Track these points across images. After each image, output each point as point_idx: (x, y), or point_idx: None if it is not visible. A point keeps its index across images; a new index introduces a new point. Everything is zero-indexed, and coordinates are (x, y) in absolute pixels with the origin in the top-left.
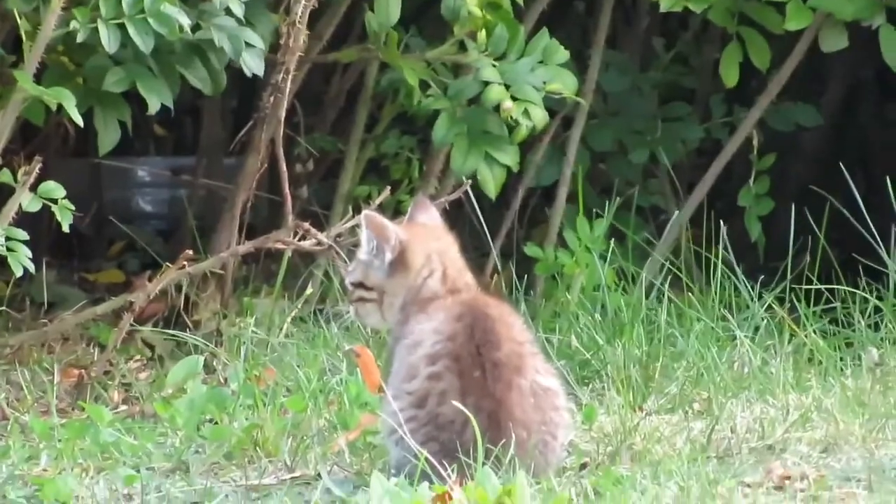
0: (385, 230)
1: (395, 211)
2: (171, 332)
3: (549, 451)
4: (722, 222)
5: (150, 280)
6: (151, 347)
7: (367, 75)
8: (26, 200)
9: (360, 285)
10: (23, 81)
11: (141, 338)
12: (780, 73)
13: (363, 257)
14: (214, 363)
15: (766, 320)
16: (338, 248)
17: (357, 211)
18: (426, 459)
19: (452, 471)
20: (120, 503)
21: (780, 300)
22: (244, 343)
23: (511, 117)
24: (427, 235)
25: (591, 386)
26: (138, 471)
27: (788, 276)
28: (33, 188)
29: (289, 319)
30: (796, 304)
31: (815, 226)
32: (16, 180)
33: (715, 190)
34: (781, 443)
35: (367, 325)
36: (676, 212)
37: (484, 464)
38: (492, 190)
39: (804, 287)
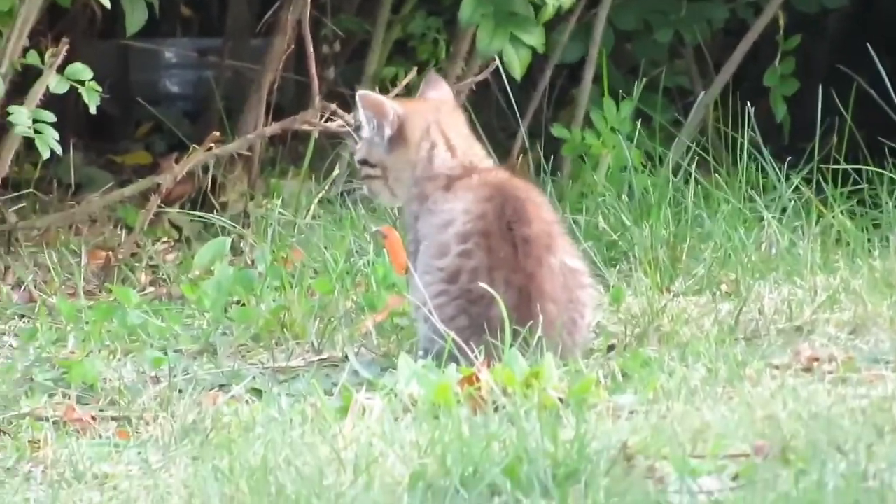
0: (382, 106)
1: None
2: (198, 213)
3: (577, 331)
4: (749, 103)
5: (177, 161)
6: (178, 229)
7: None
8: (53, 82)
9: (365, 162)
10: None
11: (168, 219)
12: None
13: (365, 135)
14: (241, 245)
15: (793, 201)
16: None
17: (384, 92)
18: (454, 341)
19: (480, 352)
20: (147, 385)
21: (808, 181)
22: (271, 225)
23: None
24: (427, 109)
25: (618, 267)
26: (165, 353)
27: (815, 157)
28: (60, 70)
29: (316, 201)
30: (823, 184)
31: (841, 106)
32: (43, 62)
33: (741, 70)
34: (809, 324)
35: (379, 201)
36: (702, 92)
37: (512, 344)
38: (517, 70)
39: (831, 168)
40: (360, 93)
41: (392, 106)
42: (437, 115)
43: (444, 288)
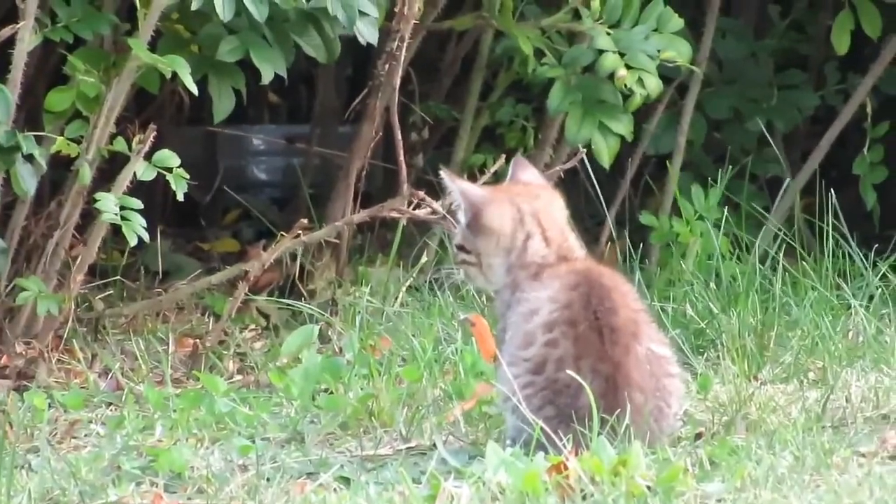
0: (453, 192)
1: None
2: (286, 301)
3: (663, 419)
4: (834, 191)
5: (264, 249)
6: (266, 317)
7: (482, 43)
8: (141, 169)
9: (461, 248)
10: (137, 49)
11: (256, 307)
12: (893, 40)
13: (462, 220)
14: (329, 332)
15: (880, 289)
16: (452, 218)
17: (472, 180)
18: (542, 429)
19: (568, 440)
20: (235, 474)
21: (895, 269)
22: (359, 312)
23: (625, 86)
24: (519, 195)
25: (705, 355)
26: (253, 441)
27: None
28: (148, 157)
29: (404, 288)
30: None
31: None
32: (130, 149)
33: (829, 158)
34: None
35: (474, 286)
36: (790, 180)
37: (599, 433)
38: (606, 159)
39: None
40: (443, 171)
41: (463, 191)
42: (534, 203)
43: (531, 379)
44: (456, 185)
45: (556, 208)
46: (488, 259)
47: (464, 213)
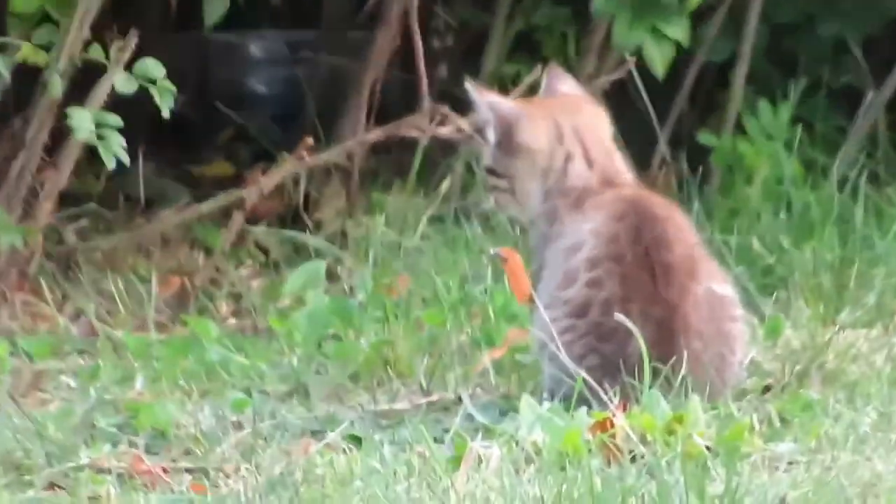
0: (480, 106)
1: None
2: (288, 233)
3: (726, 369)
4: None
5: (263, 174)
6: (265, 252)
7: None
8: (120, 81)
9: (491, 171)
10: None
11: (254, 240)
12: None
13: (491, 138)
14: (338, 269)
15: None
16: (481, 137)
17: (504, 93)
18: (584, 380)
19: (614, 393)
20: (228, 432)
21: None
22: (373, 247)
23: None
24: (558, 108)
25: (775, 296)
26: (249, 395)
27: None
28: (128, 66)
29: (425, 219)
30: None
31: None
32: (108, 58)
33: None
34: None
35: (507, 215)
36: (873, 93)
37: (651, 385)
38: (659, 67)
39: None
40: (468, 83)
41: (494, 105)
42: (575, 117)
43: (572, 323)
44: (484, 99)
45: (600, 124)
46: (522, 184)
47: (493, 131)
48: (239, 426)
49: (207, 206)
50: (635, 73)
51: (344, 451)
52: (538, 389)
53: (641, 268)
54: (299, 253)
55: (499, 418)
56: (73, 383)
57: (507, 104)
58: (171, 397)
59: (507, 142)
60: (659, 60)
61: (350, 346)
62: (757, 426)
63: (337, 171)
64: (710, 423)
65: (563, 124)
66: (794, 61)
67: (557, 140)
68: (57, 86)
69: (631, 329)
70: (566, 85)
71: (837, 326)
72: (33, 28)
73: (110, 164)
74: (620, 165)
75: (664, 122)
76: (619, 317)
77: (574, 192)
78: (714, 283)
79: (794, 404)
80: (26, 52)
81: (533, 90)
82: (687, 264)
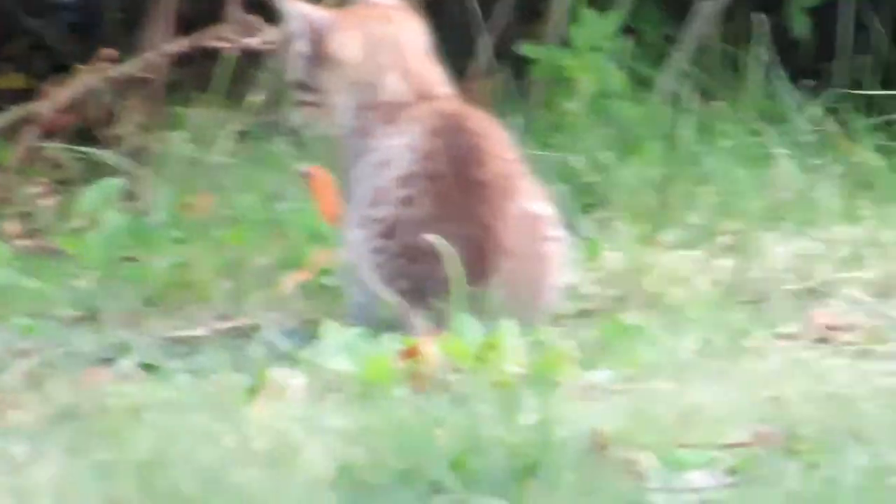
0: (290, 15)
1: None
2: (83, 149)
3: (542, 292)
4: (762, 15)
5: (59, 86)
6: (59, 168)
7: None
8: None
9: (301, 85)
10: None
11: (47, 156)
12: None
13: (301, 50)
14: (136, 188)
15: (811, 135)
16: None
17: (317, 2)
18: (392, 305)
19: (424, 318)
20: (15, 359)
21: (830, 111)
22: (173, 164)
23: None
24: (371, 17)
25: (595, 215)
26: (38, 320)
27: (841, 82)
28: None
29: (230, 134)
30: (849, 115)
31: (877, 19)
32: None
33: None
34: (826, 286)
35: (316, 131)
36: (704, 1)
37: (463, 309)
38: None
39: (860, 93)
40: None
41: (304, 14)
42: (388, 27)
43: (382, 244)
44: (294, 8)
45: (416, 36)
46: (333, 98)
47: (304, 42)
48: (25, 353)
49: None
50: None
51: (137, 380)
52: (344, 315)
53: (456, 185)
54: (96, 170)
55: (301, 345)
56: None
57: (318, 13)
58: None
59: (318, 53)
60: None
61: (146, 268)
62: (574, 353)
63: (138, 83)
64: (525, 349)
65: (375, 34)
66: None
67: (371, 51)
68: None
69: (443, 251)
70: None
71: (660, 248)
72: None
73: None
74: (437, 78)
75: (486, 31)
76: (430, 237)
77: (388, 106)
78: (531, 202)
79: (612, 330)
80: None
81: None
82: (502, 182)
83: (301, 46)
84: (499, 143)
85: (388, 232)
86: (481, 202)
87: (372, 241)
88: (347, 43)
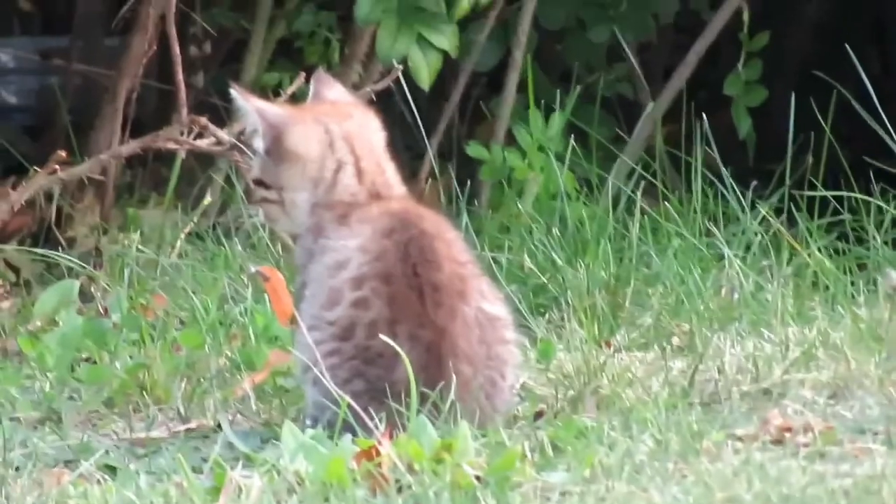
0: (247, 113)
1: None
2: (39, 251)
3: (497, 394)
4: (705, 116)
5: (13, 188)
6: (16, 270)
7: None
8: None
9: (259, 183)
10: None
11: (3, 258)
12: None
13: (260, 147)
14: (92, 289)
15: (759, 236)
16: (242, 148)
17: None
18: (349, 406)
19: (380, 420)
20: None
21: (778, 211)
22: (128, 264)
23: None
24: (328, 114)
25: (547, 316)
26: None
27: (787, 183)
28: None
29: (183, 235)
30: (797, 215)
31: (820, 119)
32: None
33: (696, 77)
34: (780, 386)
35: (277, 229)
36: (650, 104)
37: (419, 411)
38: (426, 78)
39: (806, 195)
40: (233, 89)
41: (261, 111)
42: (345, 123)
43: (336, 346)
44: (251, 104)
45: (372, 132)
46: (292, 194)
47: (262, 138)
48: None
49: None
50: (402, 82)
51: (98, 481)
52: (301, 416)
53: (410, 287)
54: (52, 271)
55: (260, 446)
56: None
57: (275, 109)
58: None
59: (277, 149)
60: (425, 71)
61: (104, 369)
62: (528, 454)
63: (91, 185)
64: (480, 451)
65: (333, 130)
66: (567, 69)
67: (329, 148)
68: None
69: (398, 352)
70: (334, 91)
71: (612, 349)
72: None
73: None
74: (391, 177)
75: (432, 133)
76: (385, 339)
77: (341, 205)
78: (486, 303)
79: (567, 431)
80: None
81: (297, 100)
82: (457, 284)
83: (258, 143)
84: (452, 243)
85: (343, 334)
86: (437, 304)
87: (327, 344)
88: (304, 138)
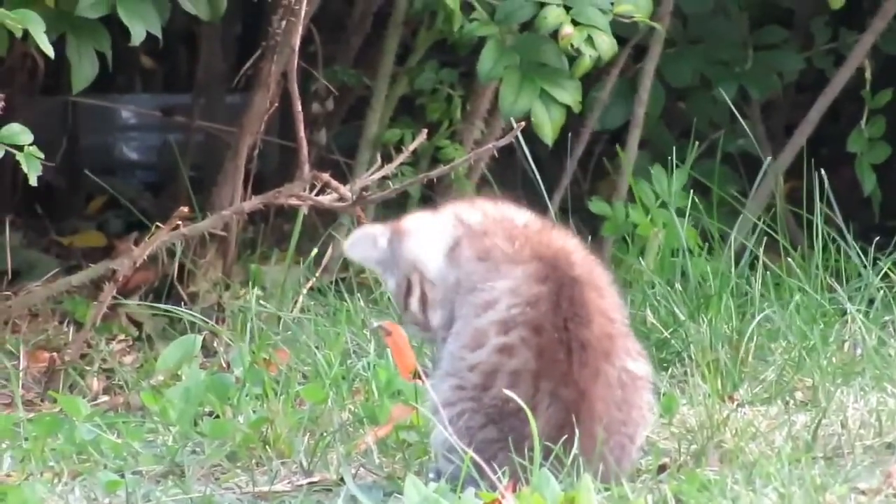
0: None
1: (432, 159)
2: (162, 306)
3: (625, 457)
4: (825, 172)
5: (136, 244)
6: (138, 325)
7: None
8: None
9: (416, 323)
10: None
11: (125, 314)
12: None
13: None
14: (215, 344)
15: (882, 290)
16: (363, 205)
17: (387, 159)
18: (473, 459)
19: (504, 473)
20: None
21: None
22: (250, 319)
23: (572, 46)
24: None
25: (670, 371)
26: (122, 475)
27: None
28: None
29: (304, 291)
30: None
31: None
32: None
33: (818, 133)
34: None
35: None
36: (771, 159)
37: (542, 464)
38: (549, 134)
39: None
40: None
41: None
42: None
43: (475, 393)
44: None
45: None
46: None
47: (416, 298)
48: None
49: (77, 278)
50: (521, 139)
51: None
52: (424, 469)
53: (559, 342)
54: (174, 327)
55: (383, 500)
56: None
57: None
58: (40, 478)
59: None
60: (548, 126)
61: (227, 423)
62: None
63: (213, 241)
64: None
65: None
66: (690, 126)
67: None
68: None
69: (535, 407)
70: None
71: (735, 403)
72: None
73: None
74: None
75: (554, 189)
76: (509, 393)
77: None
78: (630, 361)
79: (690, 485)
80: None
81: (417, 156)
82: (605, 343)
83: (414, 303)
84: (603, 293)
85: (485, 380)
86: (582, 364)
87: (466, 390)
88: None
